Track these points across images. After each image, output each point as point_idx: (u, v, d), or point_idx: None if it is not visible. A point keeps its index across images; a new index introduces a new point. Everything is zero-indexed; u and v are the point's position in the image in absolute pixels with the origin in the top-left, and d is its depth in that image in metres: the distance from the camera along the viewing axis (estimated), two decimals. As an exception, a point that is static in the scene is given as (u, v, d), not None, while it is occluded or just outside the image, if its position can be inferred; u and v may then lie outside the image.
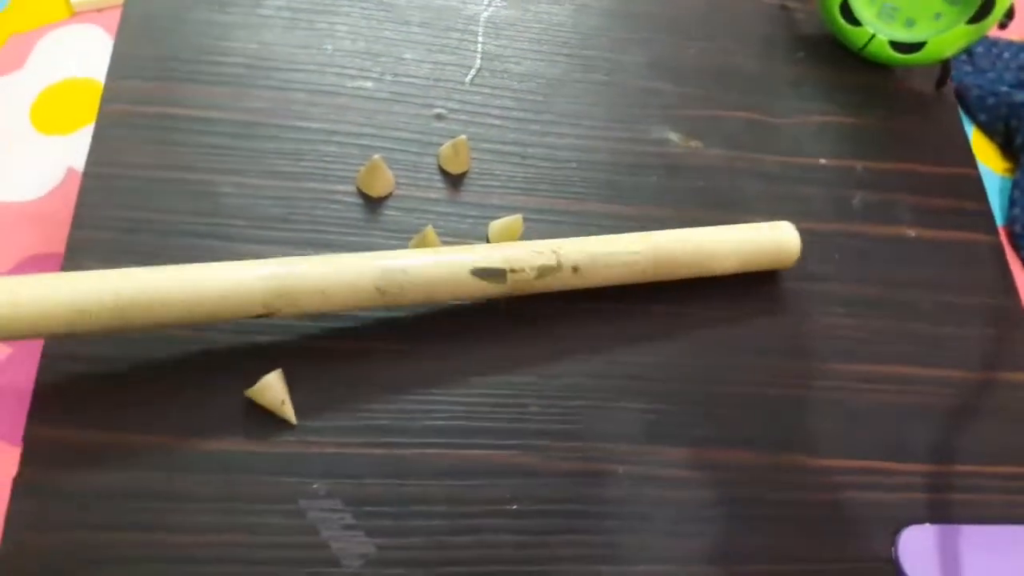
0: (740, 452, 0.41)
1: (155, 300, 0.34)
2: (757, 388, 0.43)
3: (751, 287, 0.45)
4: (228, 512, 0.35)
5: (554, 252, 0.39)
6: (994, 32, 0.52)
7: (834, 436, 0.42)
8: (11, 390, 0.52)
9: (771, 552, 0.39)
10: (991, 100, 0.96)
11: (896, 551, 0.40)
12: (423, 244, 0.41)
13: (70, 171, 0.61)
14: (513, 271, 0.38)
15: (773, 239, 0.44)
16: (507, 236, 0.42)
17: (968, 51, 0.57)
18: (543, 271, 0.39)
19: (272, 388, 0.36)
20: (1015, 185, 0.97)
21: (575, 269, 0.40)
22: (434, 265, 0.37)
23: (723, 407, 0.42)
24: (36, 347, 0.43)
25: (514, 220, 0.42)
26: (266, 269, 0.35)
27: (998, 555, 0.41)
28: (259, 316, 0.36)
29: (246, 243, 0.40)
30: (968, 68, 0.95)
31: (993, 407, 0.45)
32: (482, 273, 0.38)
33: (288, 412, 0.36)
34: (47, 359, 0.36)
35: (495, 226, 0.43)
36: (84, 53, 0.69)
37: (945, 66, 0.55)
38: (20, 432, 0.44)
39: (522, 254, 0.39)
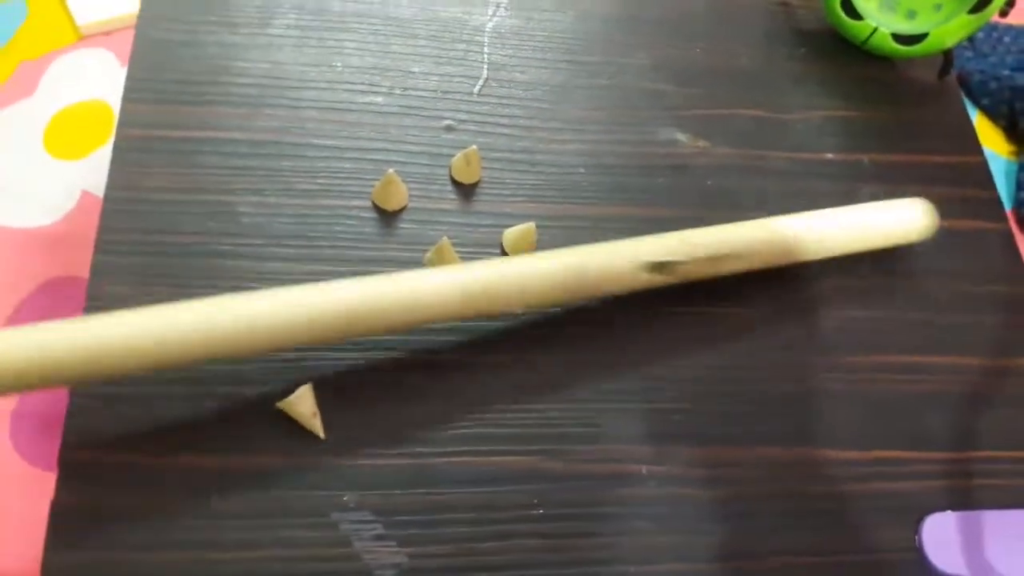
0: (761, 448, 0.41)
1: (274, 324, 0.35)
2: (776, 384, 0.43)
3: (766, 284, 0.45)
4: (262, 528, 0.35)
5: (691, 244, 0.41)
6: (994, 17, 0.52)
7: (853, 428, 0.43)
8: (35, 414, 0.53)
9: (796, 546, 0.39)
10: (993, 84, 0.96)
11: (919, 539, 0.40)
12: (439, 256, 0.41)
13: (84, 195, 0.62)
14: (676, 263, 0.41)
15: (897, 216, 0.46)
16: (522, 244, 0.43)
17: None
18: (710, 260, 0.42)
19: (304, 400, 0.37)
20: (1021, 168, 0.97)
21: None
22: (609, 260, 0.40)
23: (743, 404, 0.42)
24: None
25: (527, 228, 0.43)
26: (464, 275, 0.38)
27: (1020, 539, 0.41)
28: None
29: (268, 261, 0.41)
30: (969, 53, 0.95)
31: (1010, 393, 0.45)
32: (653, 268, 0.40)
33: (317, 426, 0.37)
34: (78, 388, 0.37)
35: (509, 235, 0.43)
36: (94, 77, 0.70)
37: (947, 56, 0.55)
38: (45, 455, 0.44)
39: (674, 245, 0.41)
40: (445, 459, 0.38)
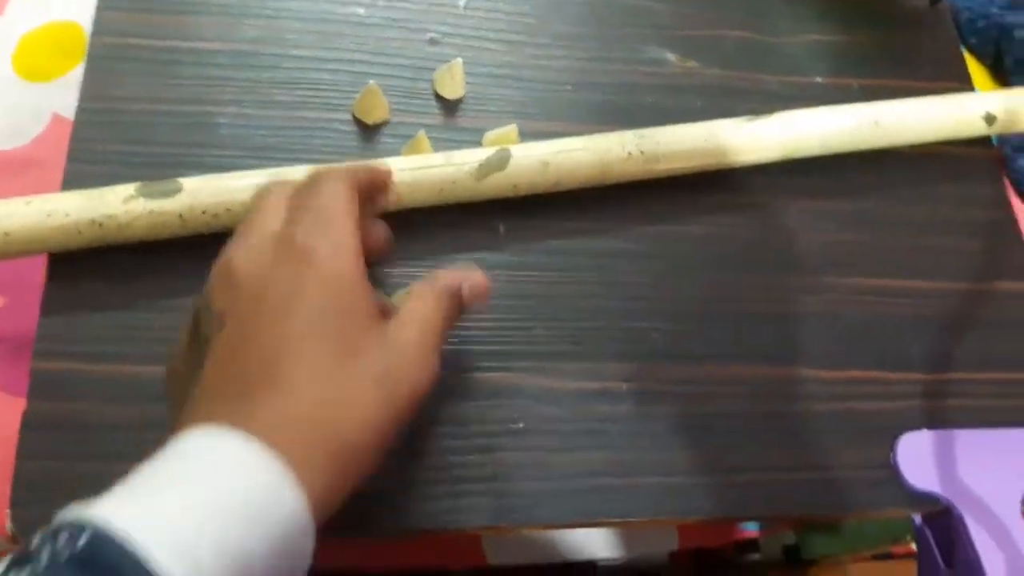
0: (740, 367, 0.41)
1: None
2: (756, 304, 0.43)
3: (748, 205, 0.45)
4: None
5: None
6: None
7: (830, 348, 0.43)
8: (8, 339, 0.52)
9: (773, 462, 0.40)
10: (981, 23, 0.95)
11: (894, 457, 0.41)
12: (415, 150, 0.41)
13: (55, 117, 0.60)
14: None
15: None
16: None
17: (959, -29, 0.57)
18: None
19: None
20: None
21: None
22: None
23: (722, 323, 0.42)
24: (32, 294, 0.42)
25: (509, 130, 0.42)
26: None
27: (992, 457, 0.42)
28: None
29: (245, 172, 0.40)
30: (959, -11, 0.93)
31: (984, 316, 0.46)
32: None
33: None
34: (51, 293, 0.37)
35: (490, 136, 0.42)
36: (63, -5, 0.66)
37: (940, -20, 0.54)
38: (18, 382, 0.43)
39: None
40: (427, 373, 0.38)
